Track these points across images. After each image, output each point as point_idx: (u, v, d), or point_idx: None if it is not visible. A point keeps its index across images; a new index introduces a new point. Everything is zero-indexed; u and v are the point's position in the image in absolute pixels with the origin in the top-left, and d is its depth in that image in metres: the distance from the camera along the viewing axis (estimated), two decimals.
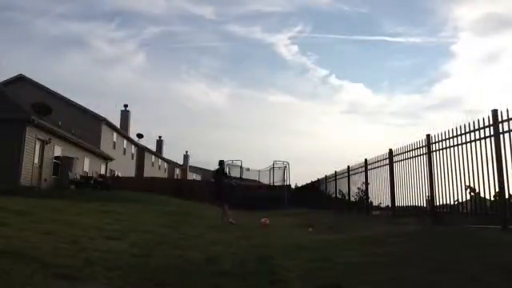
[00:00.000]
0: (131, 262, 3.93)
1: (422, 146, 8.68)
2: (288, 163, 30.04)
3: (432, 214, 8.27)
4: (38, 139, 20.69)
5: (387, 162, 10.79)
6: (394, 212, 10.31)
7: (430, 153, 8.36)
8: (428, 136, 8.46)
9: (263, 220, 11.13)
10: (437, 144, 8.13)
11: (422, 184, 8.74)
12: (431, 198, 8.32)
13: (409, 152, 9.43)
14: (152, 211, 11.24)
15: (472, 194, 7.84)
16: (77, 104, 31.29)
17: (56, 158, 22.92)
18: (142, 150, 42.94)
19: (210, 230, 8.56)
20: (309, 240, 6.86)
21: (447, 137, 7.77)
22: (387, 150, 10.82)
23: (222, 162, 12.54)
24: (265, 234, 8.21)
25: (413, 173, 9.22)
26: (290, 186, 30.03)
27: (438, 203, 8.21)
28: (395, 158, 10.33)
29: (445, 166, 7.84)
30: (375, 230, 7.63)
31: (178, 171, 54.15)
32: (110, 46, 73.44)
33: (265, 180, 30.95)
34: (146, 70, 75.73)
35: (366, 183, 12.87)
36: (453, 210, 8.04)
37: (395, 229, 7.30)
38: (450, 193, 7.89)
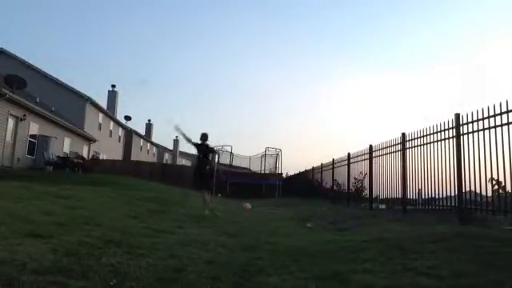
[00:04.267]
0: (30, 285, 2.39)
1: (448, 129, 7.18)
2: (280, 150, 28.56)
3: (460, 210, 6.81)
4: (12, 115, 18.98)
5: (399, 147, 9.31)
6: (406, 207, 8.86)
7: (458, 136, 6.86)
8: (457, 116, 6.95)
9: (245, 205, 10.58)
10: (468, 125, 6.63)
11: (445, 175, 7.28)
12: (459, 192, 6.86)
13: (428, 136, 7.92)
14: (124, 197, 9.65)
15: (501, 190, 6.56)
16: (60, 81, 29.44)
17: (32, 136, 21.23)
18: (129, 133, 41.27)
19: (187, 223, 7.05)
20: (310, 241, 5.35)
21: (483, 116, 6.29)
22: (399, 135, 9.35)
23: (204, 137, 9.25)
24: (254, 231, 6.69)
25: (433, 161, 7.75)
26: (281, 174, 28.57)
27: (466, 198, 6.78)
28: (409, 144, 8.83)
29: (478, 154, 6.39)
30: (390, 229, 6.18)
31: (167, 156, 52.61)
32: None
33: (255, 167, 29.44)
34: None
35: (371, 173, 11.41)
36: (482, 206, 6.65)
37: (417, 229, 5.83)
38: (481, 186, 6.48)
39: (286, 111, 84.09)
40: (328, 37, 74.46)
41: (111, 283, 2.61)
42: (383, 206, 10.44)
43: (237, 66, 78.65)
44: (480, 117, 6.40)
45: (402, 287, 2.93)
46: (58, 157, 21.94)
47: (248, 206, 11.24)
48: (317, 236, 6.03)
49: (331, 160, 16.44)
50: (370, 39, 72.02)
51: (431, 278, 3.12)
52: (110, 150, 35.09)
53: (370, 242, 4.86)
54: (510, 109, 5.87)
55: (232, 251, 4.51)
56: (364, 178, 12.05)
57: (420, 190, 8.42)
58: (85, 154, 27.68)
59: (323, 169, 18.28)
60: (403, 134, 9.21)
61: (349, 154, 13.83)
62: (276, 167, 28.60)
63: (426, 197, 8.30)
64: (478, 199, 6.59)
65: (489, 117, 6.22)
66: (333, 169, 16.14)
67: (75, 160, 21.98)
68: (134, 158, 38.69)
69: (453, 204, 7.13)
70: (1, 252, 3.02)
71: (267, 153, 28.95)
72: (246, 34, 74.79)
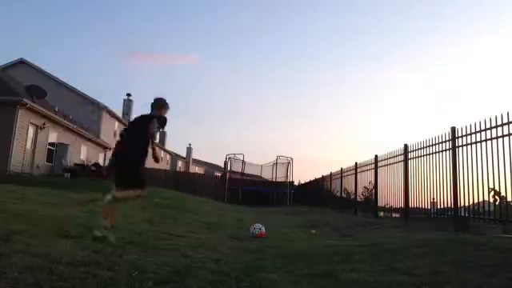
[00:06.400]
0: (68, 273, 2.90)
1: (446, 141, 7.60)
2: (292, 159, 28.98)
3: (455, 219, 7.21)
4: (32, 123, 19.78)
5: (402, 158, 9.72)
6: (408, 215, 9.24)
7: (454, 148, 7.29)
8: (453, 129, 7.38)
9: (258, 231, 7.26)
10: (463, 138, 7.06)
11: (443, 185, 7.70)
12: (454, 202, 7.25)
13: (429, 147, 8.35)
14: (139, 204, 10.19)
15: (496, 197, 6.93)
16: (77, 90, 30.39)
17: (51, 144, 22.03)
18: None
19: (199, 228, 7.55)
20: (311, 246, 5.81)
21: (479, 129, 6.72)
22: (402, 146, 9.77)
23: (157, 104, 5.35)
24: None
25: (432, 172, 8.17)
26: (293, 182, 28.99)
27: (461, 207, 7.19)
28: (411, 155, 9.26)
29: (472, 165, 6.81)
30: (389, 235, 6.60)
31: (180, 163, 53.33)
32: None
33: (267, 175, 29.89)
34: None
35: (376, 182, 11.80)
36: (476, 215, 7.04)
37: (413, 236, 6.25)
38: (476, 196, 6.88)
39: (295, 118, 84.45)
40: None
41: (133, 274, 3.11)
42: (388, 214, 10.84)
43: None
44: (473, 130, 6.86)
45: (382, 283, 3.36)
46: (76, 164, 22.69)
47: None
48: (318, 241, 6.48)
49: (340, 169, 16.84)
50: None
51: (410, 276, 3.55)
52: None
53: (366, 246, 5.29)
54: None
55: (238, 253, 4.99)
56: (376, 187, 12.43)
57: (420, 200, 8.80)
58: (100, 161, 28.43)
59: (332, 178, 18.68)
60: (405, 146, 9.63)
61: (356, 164, 14.22)
62: (287, 175, 29.01)
63: (427, 206, 8.69)
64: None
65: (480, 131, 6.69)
66: (341, 178, 16.53)
67: (92, 168, 22.70)
68: (147, 165, 39.39)
69: (449, 213, 7.53)
70: (40, 248, 3.56)
71: (278, 161, 29.38)
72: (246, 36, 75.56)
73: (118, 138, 5.45)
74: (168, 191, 17.44)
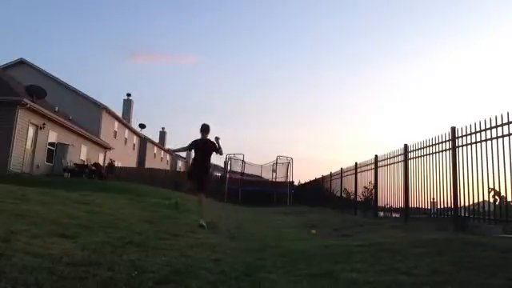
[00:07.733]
0: (68, 273, 2.90)
1: (446, 141, 7.60)
2: (292, 159, 28.97)
3: (455, 219, 7.20)
4: (32, 123, 19.78)
5: (402, 158, 9.72)
6: (408, 215, 9.24)
7: (454, 148, 7.29)
8: (453, 129, 7.38)
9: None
10: (463, 138, 7.07)
11: (443, 185, 7.70)
12: (454, 202, 7.25)
13: (429, 147, 8.34)
14: (140, 204, 10.21)
15: (496, 197, 6.92)
16: (77, 90, 30.40)
17: (51, 144, 22.03)
18: (144, 141, 42.04)
19: (199, 228, 7.54)
20: (311, 246, 5.81)
21: (479, 129, 6.71)
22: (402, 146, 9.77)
23: (203, 129, 8.30)
24: (261, 237, 7.17)
25: (432, 172, 8.17)
26: (293, 182, 28.99)
27: (461, 207, 7.19)
28: (411, 155, 9.25)
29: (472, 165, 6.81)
30: (389, 235, 6.59)
31: (180, 163, 53.32)
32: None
33: (267, 175, 29.88)
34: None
35: (376, 182, 11.80)
36: (476, 215, 7.04)
37: (413, 236, 6.24)
38: (476, 196, 6.87)
39: (294, 118, 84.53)
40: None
41: (133, 274, 3.11)
42: (388, 214, 10.84)
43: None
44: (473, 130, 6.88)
45: (383, 283, 3.36)
46: (76, 164, 22.69)
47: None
48: (318, 241, 6.48)
49: (340, 169, 16.84)
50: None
51: (410, 276, 3.55)
52: (125, 157, 35.87)
53: (365, 246, 5.28)
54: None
55: (238, 253, 4.99)
56: (376, 187, 12.42)
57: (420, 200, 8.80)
58: (101, 161, 28.43)
59: (332, 178, 18.68)
60: (405, 146, 9.63)
61: (356, 164, 14.22)
62: (287, 175, 29.01)
63: (427, 206, 8.70)
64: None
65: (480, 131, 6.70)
66: (341, 178, 16.53)
67: (92, 167, 22.69)
68: (148, 165, 39.44)
69: (449, 213, 7.53)
70: (40, 248, 3.56)
71: (278, 161, 29.38)
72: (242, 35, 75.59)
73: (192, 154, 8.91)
74: (168, 191, 17.42)
